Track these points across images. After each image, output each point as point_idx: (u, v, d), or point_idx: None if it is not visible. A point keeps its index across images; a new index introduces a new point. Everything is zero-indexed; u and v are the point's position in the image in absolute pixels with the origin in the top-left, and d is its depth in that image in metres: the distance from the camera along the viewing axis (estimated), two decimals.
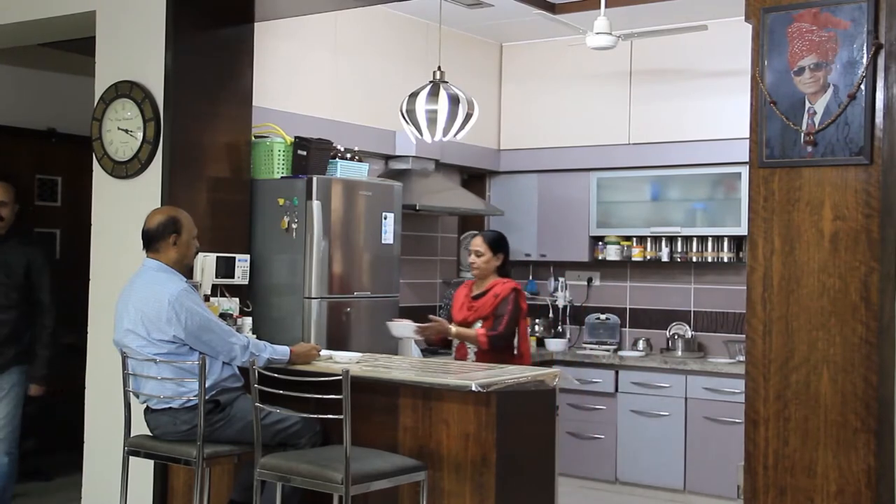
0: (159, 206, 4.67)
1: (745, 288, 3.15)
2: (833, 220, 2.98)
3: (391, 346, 5.31)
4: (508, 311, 4.97)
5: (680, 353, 6.60)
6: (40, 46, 6.27)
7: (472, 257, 5.15)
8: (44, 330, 5.25)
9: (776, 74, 3.06)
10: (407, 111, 5.42)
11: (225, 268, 4.99)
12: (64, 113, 7.09)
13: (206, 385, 3.94)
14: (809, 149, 3.01)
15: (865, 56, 2.93)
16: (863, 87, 2.93)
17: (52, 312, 5.27)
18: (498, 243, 5.18)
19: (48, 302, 5.27)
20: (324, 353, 4.52)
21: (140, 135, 4.89)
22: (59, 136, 7.25)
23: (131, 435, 4.13)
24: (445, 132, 5.43)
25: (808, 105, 3.02)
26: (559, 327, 7.20)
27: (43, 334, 5.25)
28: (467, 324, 5.04)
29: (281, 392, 3.85)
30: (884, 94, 2.92)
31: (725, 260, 6.55)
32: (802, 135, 3.02)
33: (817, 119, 3.00)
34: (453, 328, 4.99)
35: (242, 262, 5.10)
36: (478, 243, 5.17)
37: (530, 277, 7.41)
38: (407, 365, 4.36)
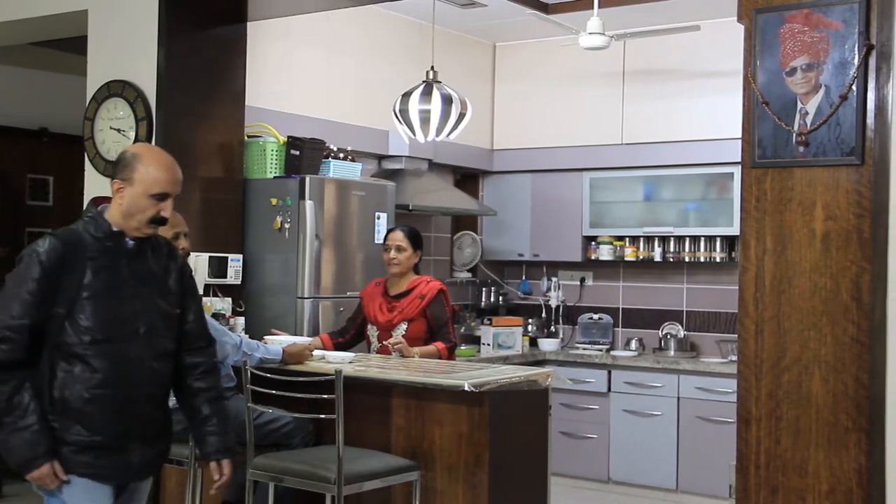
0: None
1: (737, 288, 3.16)
2: (825, 220, 2.99)
3: None
4: (448, 318, 4.79)
5: (672, 352, 6.61)
6: (32, 45, 6.27)
7: (393, 253, 4.78)
8: None
9: (768, 75, 3.07)
10: (400, 111, 5.42)
11: (218, 267, 4.99)
12: (56, 112, 7.08)
13: None
14: (801, 149, 3.02)
15: (857, 57, 2.94)
16: (854, 87, 2.94)
17: None
18: (418, 238, 4.87)
19: None
20: (316, 353, 4.51)
21: (132, 134, 4.89)
22: (51, 135, 7.24)
23: None
24: (438, 132, 5.43)
25: (799, 105, 3.02)
26: (552, 327, 7.20)
27: None
28: (392, 325, 4.75)
29: (273, 392, 3.85)
30: (875, 95, 2.92)
31: (718, 260, 6.56)
32: (794, 135, 3.03)
33: (809, 119, 3.01)
34: (415, 351, 4.61)
35: (235, 262, 5.09)
36: (399, 238, 4.81)
37: (523, 277, 7.42)
38: (400, 365, 4.36)
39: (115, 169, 3.05)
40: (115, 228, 2.99)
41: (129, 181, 2.99)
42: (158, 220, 3.02)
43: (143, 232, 3.01)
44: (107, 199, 3.06)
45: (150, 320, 3.02)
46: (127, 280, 2.98)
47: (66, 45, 6.00)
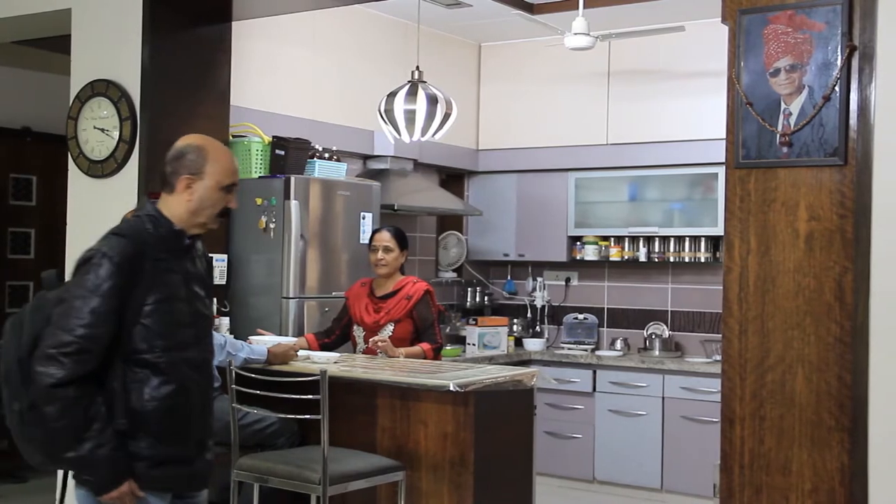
0: (136, 205, 4.64)
1: (721, 288, 3.17)
2: (808, 220, 3.01)
3: None
4: (435, 318, 4.79)
5: (657, 352, 6.63)
6: (15, 44, 6.23)
7: (381, 254, 4.77)
8: None
9: (752, 76, 3.08)
10: (385, 111, 5.41)
11: None
12: (39, 111, 7.04)
13: None
14: (785, 150, 3.03)
15: (840, 58, 2.95)
16: (837, 88, 2.96)
17: None
18: (404, 238, 4.86)
19: None
20: (301, 353, 4.51)
21: (116, 134, 4.87)
22: (34, 134, 7.20)
23: None
24: (424, 132, 5.43)
25: (783, 106, 3.04)
26: (537, 327, 7.21)
27: None
28: (378, 326, 4.75)
29: (258, 392, 3.84)
30: (858, 96, 2.94)
31: (702, 260, 6.58)
32: (778, 136, 3.04)
33: (792, 120, 3.02)
34: (401, 352, 4.61)
35: (220, 262, 5.08)
36: (386, 238, 4.80)
37: (508, 277, 7.42)
38: (385, 365, 4.35)
39: (175, 165, 2.84)
40: (176, 227, 2.82)
41: (198, 175, 2.82)
42: (226, 213, 2.92)
43: (209, 227, 2.86)
44: (156, 195, 2.90)
45: (206, 324, 2.90)
46: (186, 281, 2.82)
47: (49, 44, 5.96)
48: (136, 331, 2.70)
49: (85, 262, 2.70)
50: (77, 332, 2.62)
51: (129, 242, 2.72)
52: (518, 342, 7.03)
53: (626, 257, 6.82)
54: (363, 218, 5.50)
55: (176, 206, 2.83)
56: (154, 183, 4.78)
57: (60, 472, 5.04)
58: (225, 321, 5.03)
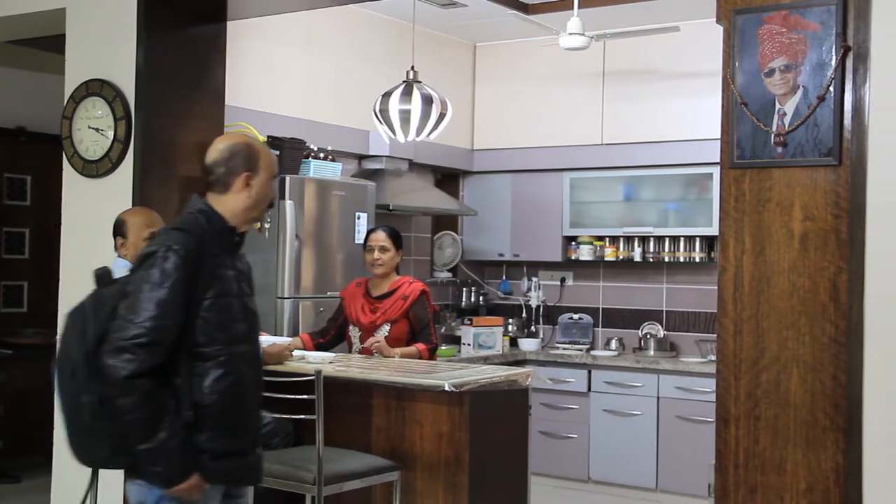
0: (130, 205, 4.64)
1: (716, 288, 3.17)
2: (803, 220, 3.01)
3: None
4: (430, 319, 4.78)
5: (652, 352, 6.64)
6: (9, 44, 6.21)
7: (377, 254, 4.76)
8: None
9: (747, 76, 3.09)
10: (380, 111, 5.41)
11: None
12: (33, 111, 7.03)
13: None
14: (779, 150, 3.04)
15: (834, 58, 2.96)
16: (832, 88, 2.96)
17: None
18: (400, 238, 4.86)
19: None
20: (296, 353, 4.50)
21: (111, 133, 4.86)
22: (29, 134, 7.19)
23: None
24: (419, 132, 5.43)
25: (778, 106, 3.04)
26: (532, 327, 7.21)
27: None
28: (375, 326, 4.74)
29: None
30: (852, 96, 2.95)
31: (697, 260, 6.59)
32: (773, 136, 3.04)
33: (787, 120, 3.03)
34: (396, 352, 4.62)
35: None
36: (382, 238, 4.79)
37: (503, 277, 7.42)
38: (380, 365, 4.35)
39: (230, 165, 2.91)
40: (229, 223, 2.90)
41: (255, 170, 2.92)
42: (271, 205, 3.04)
43: (259, 220, 3.00)
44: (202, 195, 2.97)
45: (255, 320, 2.97)
46: (237, 278, 2.89)
47: (43, 43, 5.95)
48: (197, 324, 2.77)
49: (149, 257, 2.77)
50: (147, 325, 2.68)
51: (191, 237, 2.79)
52: (513, 342, 7.04)
53: (620, 257, 6.83)
54: (358, 218, 5.50)
55: (231, 204, 2.91)
56: (148, 184, 4.80)
57: (54, 474, 5.05)
58: None
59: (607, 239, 6.87)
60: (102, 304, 2.81)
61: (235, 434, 2.84)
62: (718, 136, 3.17)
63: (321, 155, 5.56)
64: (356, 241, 5.42)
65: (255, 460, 2.93)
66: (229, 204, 2.91)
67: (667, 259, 6.69)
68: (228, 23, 5.22)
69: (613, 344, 6.83)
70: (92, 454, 2.88)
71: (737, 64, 3.10)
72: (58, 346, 2.88)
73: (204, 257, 2.79)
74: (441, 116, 5.44)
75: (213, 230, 2.86)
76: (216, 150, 2.97)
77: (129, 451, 2.75)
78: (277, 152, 5.22)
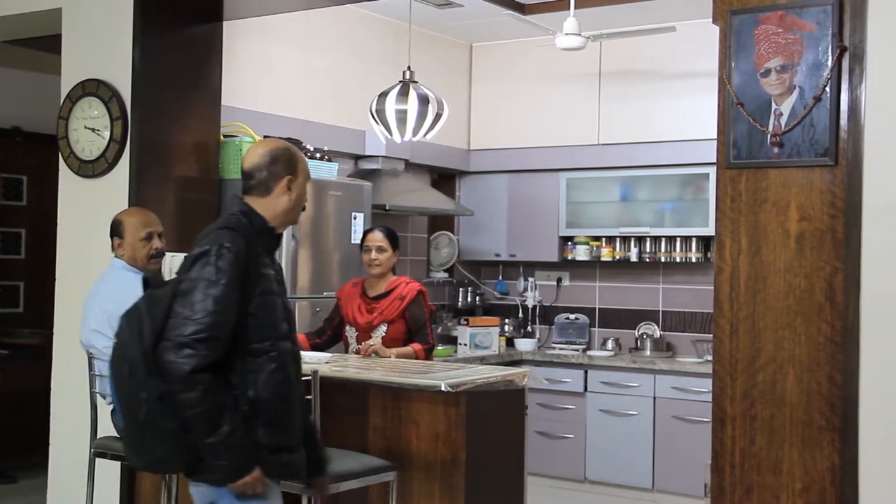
0: (126, 205, 4.63)
1: (712, 288, 3.18)
2: (799, 220, 3.01)
3: None
4: (427, 319, 4.78)
5: (648, 352, 6.64)
6: (5, 43, 6.21)
7: (374, 254, 4.74)
8: None
9: (743, 76, 3.09)
10: (376, 111, 5.41)
11: None
12: (29, 111, 7.02)
13: None
14: (776, 150, 3.04)
15: (830, 58, 2.96)
16: (828, 89, 2.96)
17: None
18: (396, 238, 4.86)
19: None
20: None
21: (107, 134, 4.85)
22: (25, 134, 7.18)
23: (98, 436, 4.10)
24: (415, 132, 5.43)
25: (774, 106, 3.05)
26: (528, 327, 7.21)
27: None
28: (372, 327, 4.72)
29: None
30: (848, 96, 2.95)
31: (693, 260, 6.59)
32: (769, 136, 3.05)
33: (783, 120, 3.03)
34: (392, 353, 4.61)
35: None
36: (379, 239, 4.77)
37: (500, 277, 7.43)
38: (377, 365, 4.35)
39: (273, 169, 2.99)
40: (269, 225, 2.99)
41: (295, 175, 3.02)
42: (305, 207, 3.14)
43: (295, 222, 3.10)
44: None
45: (293, 319, 3.06)
46: (278, 276, 2.99)
47: (39, 43, 5.95)
48: (249, 321, 2.84)
49: (202, 256, 2.83)
50: (206, 321, 2.75)
51: (240, 236, 2.87)
52: (509, 342, 7.04)
53: (617, 257, 6.83)
54: (354, 218, 5.50)
55: (272, 207, 3.00)
56: (144, 184, 4.80)
57: (50, 474, 5.04)
58: None
59: (604, 239, 6.87)
60: (156, 303, 2.85)
61: (286, 429, 2.91)
62: (715, 136, 3.17)
63: (317, 155, 5.55)
64: (352, 242, 5.41)
65: (302, 456, 2.99)
66: (270, 206, 2.99)
67: (663, 259, 6.69)
68: (225, 23, 5.22)
69: (610, 344, 6.84)
70: (150, 455, 2.89)
71: (733, 64, 3.11)
72: (112, 348, 2.92)
73: (250, 256, 2.87)
74: (437, 116, 5.44)
75: (256, 230, 2.95)
76: (257, 154, 3.04)
77: (189, 448, 2.80)
78: None
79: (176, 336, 2.75)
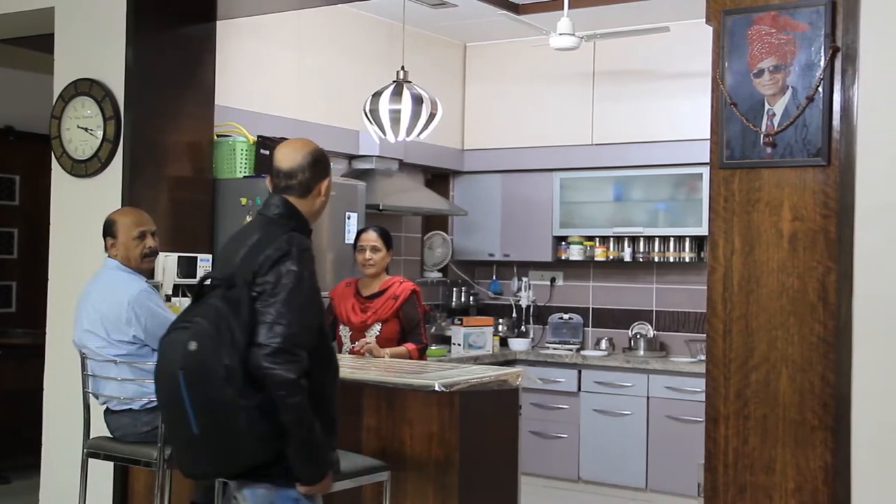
0: (119, 205, 4.63)
1: (705, 288, 3.18)
2: (792, 220, 3.02)
3: None
4: (421, 318, 4.79)
5: (642, 352, 6.65)
6: None
7: (368, 254, 4.76)
8: None
9: (736, 76, 3.09)
10: (370, 111, 5.41)
11: (187, 267, 4.95)
12: (22, 110, 7.00)
13: None
14: (769, 150, 3.05)
15: (823, 59, 2.97)
16: (820, 89, 2.97)
17: None
18: (390, 238, 4.88)
19: None
20: None
21: (100, 133, 4.84)
22: (17, 133, 7.16)
23: (91, 437, 4.09)
24: (409, 132, 5.43)
25: (767, 107, 3.05)
26: (522, 327, 7.22)
27: None
28: (365, 326, 4.75)
29: None
30: (841, 97, 2.96)
31: (687, 260, 6.60)
32: (762, 136, 3.05)
33: (776, 121, 3.04)
34: (386, 352, 4.62)
35: (204, 262, 5.05)
36: (373, 238, 4.79)
37: (493, 277, 7.43)
38: (370, 365, 4.35)
39: (315, 171, 3.04)
40: (309, 225, 3.04)
41: (329, 175, 3.10)
42: None
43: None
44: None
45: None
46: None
47: (32, 42, 5.93)
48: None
49: (284, 258, 2.81)
50: (299, 325, 2.78)
51: (306, 237, 2.95)
52: (503, 342, 7.04)
53: (610, 257, 6.84)
54: (348, 218, 5.49)
55: (309, 207, 3.04)
56: (138, 184, 4.79)
57: (42, 475, 5.03)
58: None
59: (597, 239, 6.88)
60: (238, 307, 2.78)
61: (335, 428, 2.95)
62: (708, 136, 3.18)
63: None
64: (346, 241, 5.41)
65: (335, 458, 3.01)
66: (308, 206, 3.03)
67: (656, 259, 6.70)
68: (218, 23, 5.22)
69: (603, 344, 6.84)
70: (233, 462, 2.83)
71: (726, 64, 3.11)
72: (184, 356, 2.77)
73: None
74: (431, 116, 5.44)
75: (304, 232, 2.99)
76: (299, 154, 3.05)
77: (274, 451, 2.78)
78: (267, 152, 5.22)
79: (271, 341, 2.73)
